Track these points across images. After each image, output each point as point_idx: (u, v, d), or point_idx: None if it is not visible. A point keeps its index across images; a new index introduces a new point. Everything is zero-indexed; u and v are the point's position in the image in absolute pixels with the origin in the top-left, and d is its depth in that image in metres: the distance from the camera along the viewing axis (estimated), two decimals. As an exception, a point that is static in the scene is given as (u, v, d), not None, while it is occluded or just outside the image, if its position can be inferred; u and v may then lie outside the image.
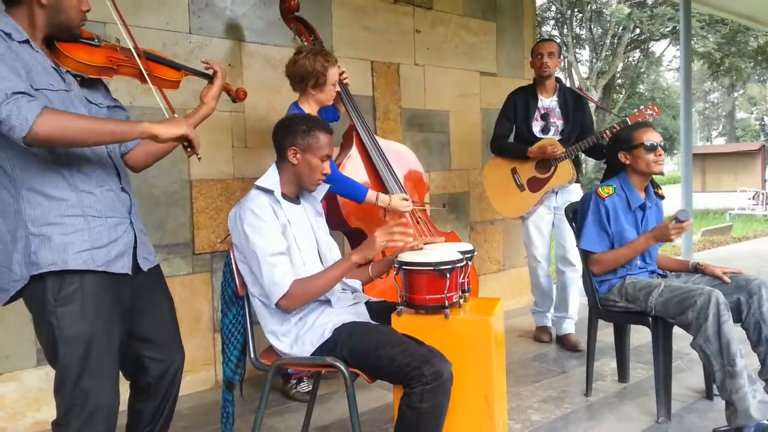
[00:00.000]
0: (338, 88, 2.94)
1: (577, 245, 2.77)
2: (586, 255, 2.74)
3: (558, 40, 19.45)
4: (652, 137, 2.67)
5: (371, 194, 2.79)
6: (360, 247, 1.99)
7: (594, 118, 3.78)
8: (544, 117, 3.65)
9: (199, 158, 1.72)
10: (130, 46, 1.70)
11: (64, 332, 1.54)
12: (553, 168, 3.54)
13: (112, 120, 1.62)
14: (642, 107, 3.44)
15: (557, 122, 3.66)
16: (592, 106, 4.23)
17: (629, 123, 3.21)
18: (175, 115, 1.69)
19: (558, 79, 3.74)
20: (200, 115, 1.91)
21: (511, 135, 3.78)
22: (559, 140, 3.57)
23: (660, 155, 2.66)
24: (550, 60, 3.59)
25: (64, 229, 1.55)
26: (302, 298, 1.93)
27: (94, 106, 1.71)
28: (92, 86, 1.74)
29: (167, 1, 3.03)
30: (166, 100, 1.75)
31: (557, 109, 3.66)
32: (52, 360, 1.59)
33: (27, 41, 1.55)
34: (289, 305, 1.93)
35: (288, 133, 2.04)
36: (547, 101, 3.67)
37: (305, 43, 3.01)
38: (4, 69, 1.43)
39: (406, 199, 2.91)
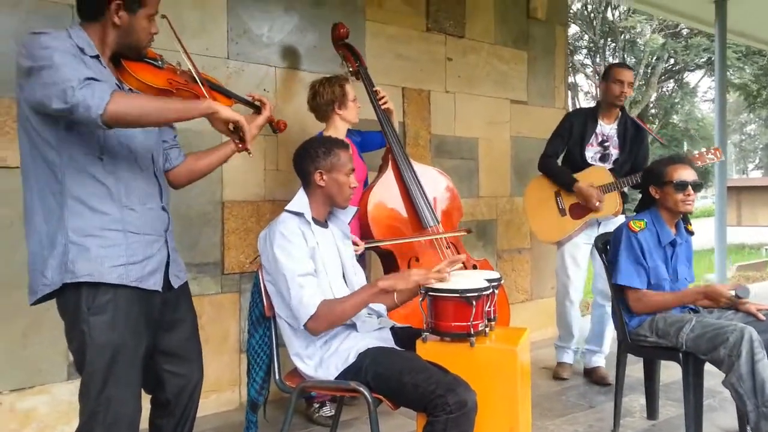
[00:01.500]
0: (376, 112, 3.03)
1: (613, 280, 2.66)
2: (619, 290, 2.67)
3: (589, 70, 19.44)
4: (683, 175, 2.61)
5: None
6: (392, 276, 2.02)
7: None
8: (603, 144, 3.56)
9: (249, 153, 1.81)
10: (191, 69, 1.76)
11: (95, 340, 1.59)
12: None
13: (176, 99, 1.70)
14: (704, 149, 3.37)
15: (613, 151, 3.57)
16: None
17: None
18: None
19: (622, 108, 3.63)
20: None
21: (561, 155, 3.68)
22: (610, 169, 3.50)
23: (689, 195, 2.60)
24: (630, 90, 3.53)
25: (102, 242, 1.60)
26: (329, 320, 1.94)
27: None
28: None
29: (208, 27, 3.13)
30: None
31: (615, 138, 3.57)
32: (81, 367, 1.63)
33: (97, 56, 1.63)
34: (316, 327, 1.94)
35: (309, 159, 2.10)
36: (608, 128, 3.58)
37: (350, 69, 3.17)
38: (75, 62, 1.52)
39: None
